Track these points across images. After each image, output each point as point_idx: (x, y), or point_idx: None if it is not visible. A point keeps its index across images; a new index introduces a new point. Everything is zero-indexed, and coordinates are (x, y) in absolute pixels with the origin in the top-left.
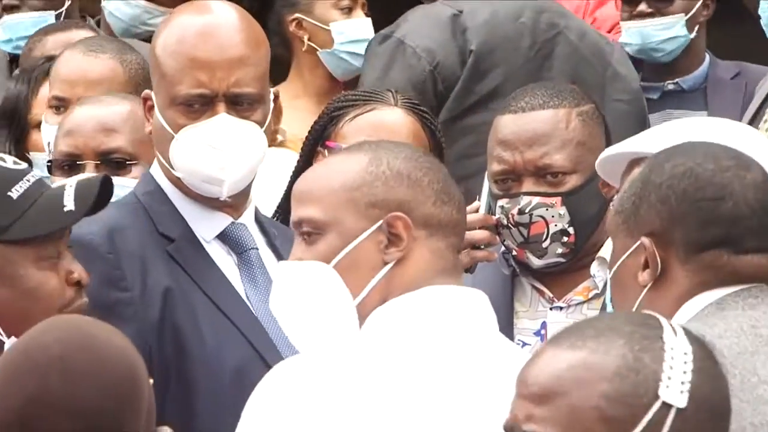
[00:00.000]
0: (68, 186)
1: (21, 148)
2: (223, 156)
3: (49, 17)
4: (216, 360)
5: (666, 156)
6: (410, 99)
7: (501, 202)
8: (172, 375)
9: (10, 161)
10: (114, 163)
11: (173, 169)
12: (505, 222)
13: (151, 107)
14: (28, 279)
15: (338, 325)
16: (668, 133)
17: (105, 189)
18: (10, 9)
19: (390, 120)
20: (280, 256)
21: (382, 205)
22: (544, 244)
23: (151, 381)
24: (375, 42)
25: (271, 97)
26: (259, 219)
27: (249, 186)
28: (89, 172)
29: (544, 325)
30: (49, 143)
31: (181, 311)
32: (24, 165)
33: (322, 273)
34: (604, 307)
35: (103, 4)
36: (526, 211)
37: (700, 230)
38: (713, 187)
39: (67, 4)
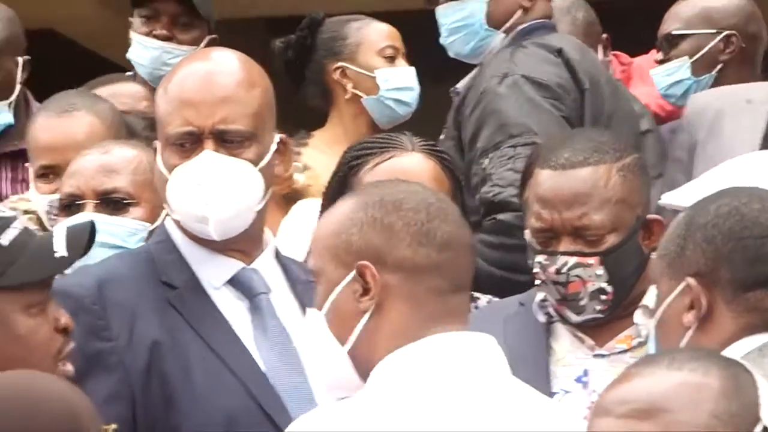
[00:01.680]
0: (56, 232)
1: None
2: (207, 192)
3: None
4: (205, 407)
5: (710, 199)
6: (426, 142)
7: (539, 258)
8: (159, 422)
9: None
10: (113, 203)
11: (172, 212)
12: (542, 278)
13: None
14: (18, 326)
15: (334, 372)
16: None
17: (92, 234)
18: (164, 38)
19: (410, 166)
20: (301, 302)
21: (357, 253)
22: (582, 303)
23: (114, 426)
24: (494, 83)
25: (276, 140)
26: (283, 263)
27: (257, 230)
28: (89, 212)
29: (586, 372)
30: (46, 212)
31: (172, 360)
32: (10, 212)
33: (315, 321)
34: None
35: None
36: (564, 270)
37: (746, 269)
38: (759, 227)
39: (203, 43)
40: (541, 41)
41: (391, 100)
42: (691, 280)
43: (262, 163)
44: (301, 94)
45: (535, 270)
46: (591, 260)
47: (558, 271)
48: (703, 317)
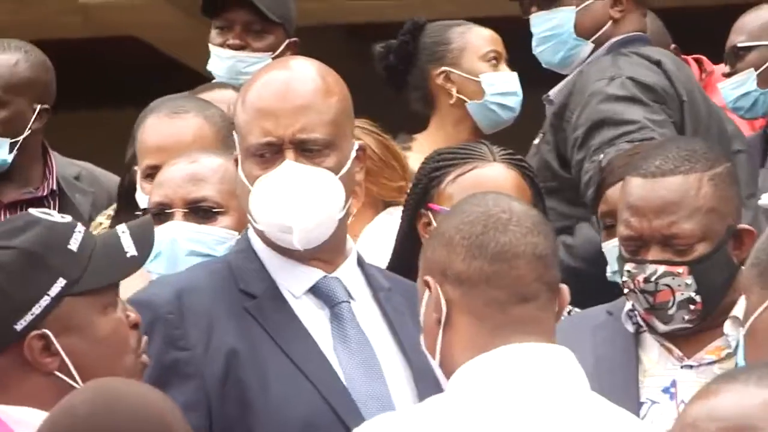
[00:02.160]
0: (121, 232)
1: None
2: (291, 202)
3: (267, 59)
4: (281, 413)
5: None
6: (506, 151)
7: (628, 267)
8: (236, 430)
9: (57, 215)
10: (202, 211)
11: (255, 222)
12: (631, 286)
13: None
14: (100, 328)
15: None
16: None
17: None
18: (237, 48)
19: (492, 176)
20: (384, 310)
21: (428, 268)
22: (670, 312)
23: None
24: (602, 85)
25: (355, 146)
26: (365, 271)
27: (339, 238)
28: (177, 221)
29: (674, 383)
30: None
31: (249, 368)
32: (69, 217)
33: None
34: (736, 365)
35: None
36: (652, 279)
37: None
38: None
39: (281, 48)
40: (639, 51)
41: (496, 105)
42: None
43: (343, 171)
44: (403, 98)
45: (624, 278)
46: (680, 269)
47: (647, 280)
48: None
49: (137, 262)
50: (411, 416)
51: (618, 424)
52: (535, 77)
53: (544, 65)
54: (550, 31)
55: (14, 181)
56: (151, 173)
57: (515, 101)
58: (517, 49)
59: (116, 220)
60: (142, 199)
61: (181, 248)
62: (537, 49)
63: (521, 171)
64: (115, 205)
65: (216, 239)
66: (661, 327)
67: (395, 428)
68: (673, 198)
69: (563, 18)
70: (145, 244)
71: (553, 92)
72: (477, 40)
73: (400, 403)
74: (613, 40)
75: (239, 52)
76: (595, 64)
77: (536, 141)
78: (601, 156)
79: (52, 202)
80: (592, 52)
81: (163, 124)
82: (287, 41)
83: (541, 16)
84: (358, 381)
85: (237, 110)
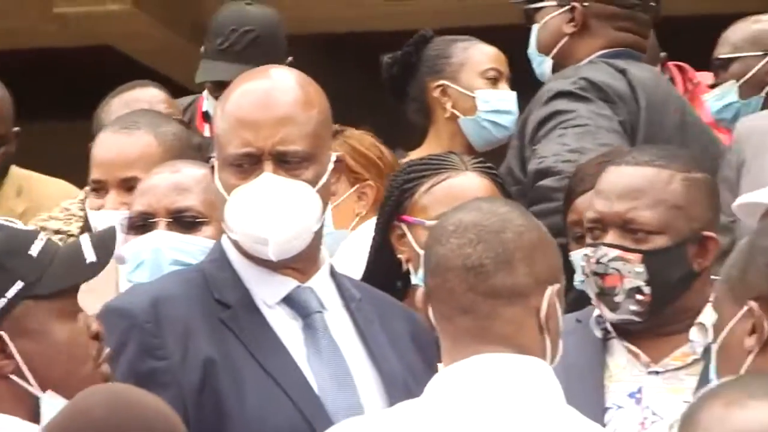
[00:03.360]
0: (82, 240)
1: None
2: (268, 215)
3: None
4: (256, 424)
5: None
6: (477, 159)
7: (586, 250)
8: None
9: (20, 224)
10: (185, 221)
11: (231, 231)
12: (586, 270)
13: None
14: (56, 333)
15: None
16: None
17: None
18: None
19: (465, 185)
20: (355, 321)
21: None
22: (617, 299)
23: None
24: (555, 84)
25: (332, 158)
26: (338, 281)
27: (313, 249)
28: (161, 230)
29: (640, 389)
30: (95, 227)
31: (225, 377)
32: (33, 227)
33: None
34: (703, 372)
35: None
36: (603, 261)
37: None
38: None
39: None
40: (609, 61)
41: (488, 122)
42: (753, 304)
43: (320, 184)
44: (402, 110)
45: (582, 263)
46: (632, 256)
47: (598, 261)
48: (765, 341)
49: (96, 268)
50: (376, 421)
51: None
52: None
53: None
54: (530, 48)
55: None
56: (96, 188)
57: (509, 120)
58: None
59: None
60: (90, 214)
61: (165, 258)
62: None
63: (493, 179)
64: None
65: (200, 249)
66: (609, 315)
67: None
68: (639, 185)
69: (533, 34)
70: (105, 250)
71: None
72: (478, 56)
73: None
74: (597, 54)
75: (234, 63)
76: (560, 72)
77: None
78: (535, 147)
79: None
80: (556, 69)
81: (111, 139)
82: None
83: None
84: (330, 392)
85: (216, 118)
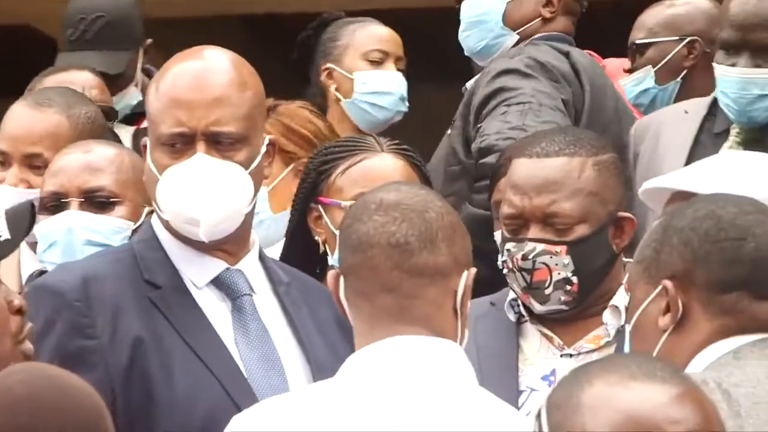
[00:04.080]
0: None
1: None
2: (200, 195)
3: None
4: (185, 407)
5: (688, 204)
6: (393, 141)
7: (508, 246)
8: (139, 421)
9: None
10: (98, 201)
11: (161, 211)
12: (510, 265)
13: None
14: None
15: None
16: (714, 167)
17: (33, 216)
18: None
19: (381, 166)
20: (283, 304)
21: None
22: (547, 291)
23: None
24: (500, 62)
25: (266, 141)
26: (267, 265)
27: (243, 232)
28: (74, 210)
29: (554, 372)
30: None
31: (153, 358)
32: None
33: None
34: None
35: None
36: (530, 257)
37: (723, 270)
38: (735, 228)
39: (139, 62)
40: (551, 44)
41: (367, 104)
42: (667, 283)
43: (252, 166)
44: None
45: (503, 258)
46: (558, 248)
47: (524, 257)
48: (678, 320)
49: (10, 246)
50: (287, 404)
51: (496, 417)
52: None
53: (466, 53)
54: (478, 17)
55: None
56: (0, 160)
57: (389, 101)
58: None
59: None
60: None
61: (77, 238)
62: (462, 35)
63: (409, 160)
64: None
65: (112, 229)
66: (538, 307)
67: (271, 415)
68: (555, 177)
69: (492, 5)
70: (19, 228)
71: (469, 83)
72: (362, 39)
73: None
74: (535, 36)
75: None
76: (506, 53)
77: (448, 131)
78: (479, 126)
79: None
80: (516, 45)
81: (22, 113)
82: (142, 49)
83: (471, 2)
84: (258, 375)
85: (150, 98)
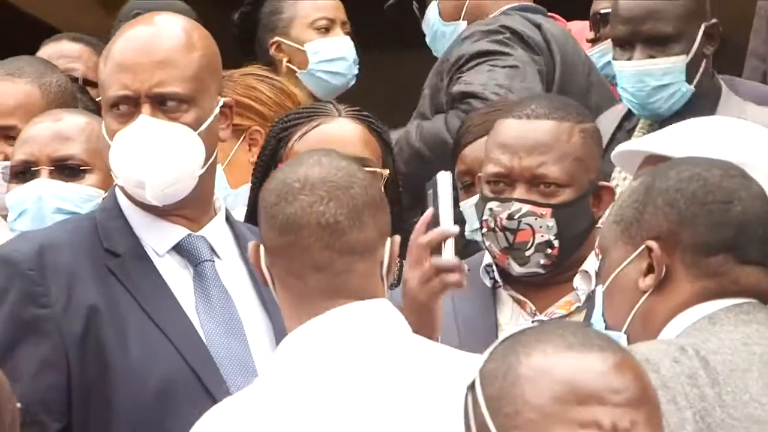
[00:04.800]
0: None
1: None
2: (143, 157)
3: None
4: (139, 374)
5: (669, 165)
6: (352, 108)
7: (491, 205)
8: (94, 389)
9: None
10: (68, 169)
11: (116, 177)
12: (492, 225)
13: None
14: None
15: None
16: (687, 131)
17: None
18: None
19: (338, 132)
20: (250, 270)
21: None
22: (527, 253)
23: (18, 405)
24: (475, 27)
25: (220, 103)
26: (236, 230)
27: (202, 196)
28: (44, 178)
29: None
30: None
31: (109, 327)
32: None
33: None
34: (585, 320)
35: None
36: (515, 217)
37: (710, 232)
38: (722, 191)
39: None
40: (525, 15)
41: (323, 72)
42: (652, 243)
43: (202, 128)
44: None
45: (485, 217)
46: (543, 211)
47: (510, 217)
48: (660, 282)
49: None
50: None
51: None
52: None
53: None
54: (430, 30)
55: None
56: None
57: (344, 66)
58: None
59: None
60: None
61: (47, 206)
62: (432, 46)
63: (367, 125)
64: None
65: (82, 197)
66: (517, 269)
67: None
68: (546, 140)
69: (431, 15)
70: None
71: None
72: (306, 9)
73: (261, 364)
74: (508, 6)
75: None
76: (480, 23)
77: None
78: (464, 74)
79: None
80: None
81: None
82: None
83: (423, 22)
84: (218, 342)
85: (100, 65)
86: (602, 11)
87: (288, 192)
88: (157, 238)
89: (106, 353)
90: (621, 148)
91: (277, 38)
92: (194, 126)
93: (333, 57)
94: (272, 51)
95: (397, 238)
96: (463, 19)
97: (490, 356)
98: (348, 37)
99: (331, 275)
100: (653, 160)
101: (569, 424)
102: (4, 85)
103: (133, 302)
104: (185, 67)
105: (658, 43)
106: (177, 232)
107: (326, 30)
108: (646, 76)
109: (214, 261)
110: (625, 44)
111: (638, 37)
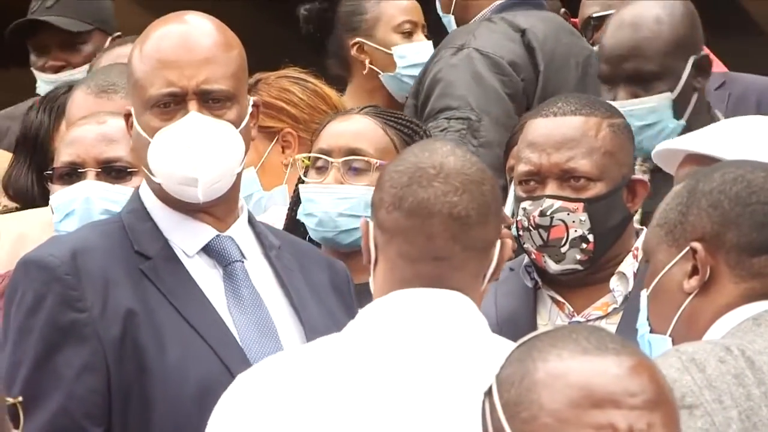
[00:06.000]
0: None
1: (44, 179)
2: (196, 154)
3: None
4: (178, 376)
5: (713, 168)
6: (374, 106)
7: (524, 204)
8: (133, 393)
9: None
10: (115, 171)
11: (153, 175)
12: (525, 224)
13: (131, 122)
14: None
15: None
16: (728, 130)
17: None
18: (57, 69)
19: (340, 125)
20: (275, 269)
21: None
22: (563, 249)
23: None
24: (449, 53)
25: (251, 102)
26: (257, 230)
27: (233, 195)
28: (90, 180)
29: None
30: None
31: (146, 330)
32: None
33: None
34: (622, 322)
35: None
36: (548, 213)
37: (754, 233)
38: (766, 192)
39: (106, 44)
40: (510, 18)
41: (408, 77)
42: (696, 245)
43: (242, 125)
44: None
45: (519, 217)
46: (575, 206)
47: (542, 214)
48: (704, 283)
49: None
50: (297, 356)
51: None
52: None
53: None
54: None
55: None
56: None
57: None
58: None
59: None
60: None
61: (95, 207)
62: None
63: (385, 122)
64: None
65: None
66: (553, 266)
67: (281, 368)
68: (573, 135)
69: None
70: None
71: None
72: (390, 11)
73: None
74: (496, 3)
75: (60, 74)
76: (461, 29)
77: None
78: (430, 124)
79: None
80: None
81: (89, 102)
82: (110, 38)
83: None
84: (252, 341)
85: (134, 63)
86: (594, 15)
87: (422, 176)
88: (187, 240)
89: (144, 356)
90: (661, 146)
91: (359, 39)
92: (236, 123)
93: (419, 62)
94: (353, 52)
95: (509, 241)
96: (452, 14)
97: (506, 362)
98: (430, 42)
99: (447, 267)
100: (693, 158)
101: (586, 428)
102: (101, 104)
103: (167, 304)
104: (227, 65)
105: (641, 82)
106: (206, 233)
107: (411, 33)
108: (630, 116)
109: (243, 261)
110: (608, 83)
111: (621, 77)
